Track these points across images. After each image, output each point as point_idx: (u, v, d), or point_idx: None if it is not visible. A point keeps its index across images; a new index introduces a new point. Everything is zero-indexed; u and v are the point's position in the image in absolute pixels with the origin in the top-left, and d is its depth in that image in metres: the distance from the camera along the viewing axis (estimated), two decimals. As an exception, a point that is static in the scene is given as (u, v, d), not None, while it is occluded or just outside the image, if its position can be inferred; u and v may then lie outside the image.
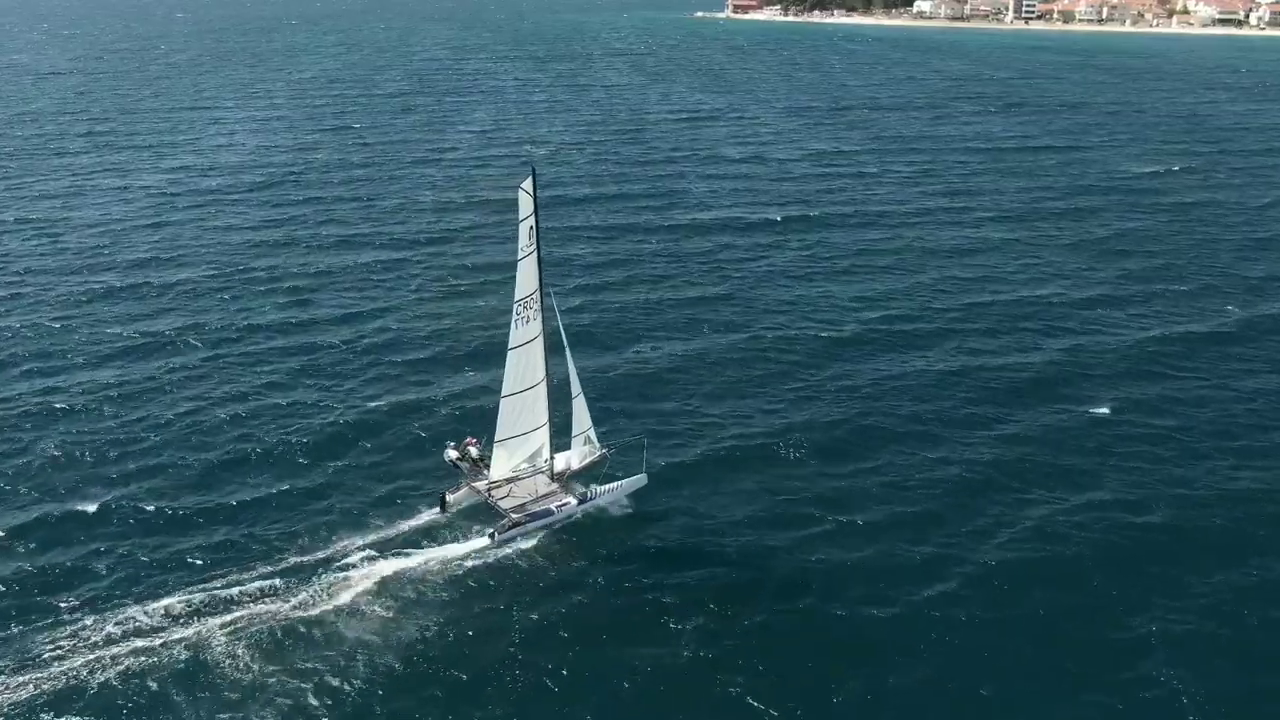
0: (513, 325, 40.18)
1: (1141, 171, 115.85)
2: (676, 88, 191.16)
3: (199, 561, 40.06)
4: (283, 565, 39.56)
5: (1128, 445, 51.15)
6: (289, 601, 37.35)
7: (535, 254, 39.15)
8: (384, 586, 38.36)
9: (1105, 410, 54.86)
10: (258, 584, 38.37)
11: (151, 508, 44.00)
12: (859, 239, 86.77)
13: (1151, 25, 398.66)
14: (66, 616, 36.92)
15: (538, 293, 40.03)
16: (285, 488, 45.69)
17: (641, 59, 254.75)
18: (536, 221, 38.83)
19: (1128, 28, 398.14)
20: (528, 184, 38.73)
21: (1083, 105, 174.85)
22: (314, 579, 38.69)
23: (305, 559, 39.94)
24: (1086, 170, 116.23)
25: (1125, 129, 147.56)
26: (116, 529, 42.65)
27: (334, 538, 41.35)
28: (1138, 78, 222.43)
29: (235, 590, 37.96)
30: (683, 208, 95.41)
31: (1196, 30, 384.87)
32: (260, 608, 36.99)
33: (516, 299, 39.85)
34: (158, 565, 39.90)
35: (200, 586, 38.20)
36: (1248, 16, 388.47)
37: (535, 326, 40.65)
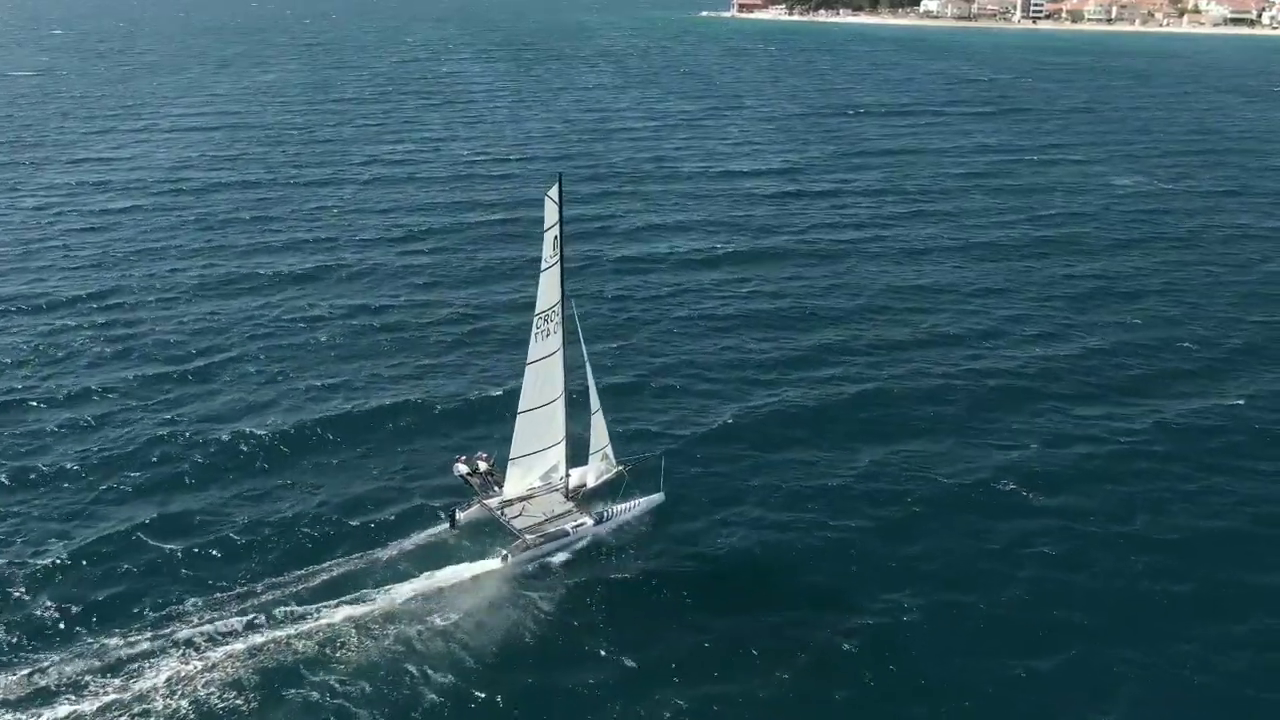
0: (532, 340, 37.89)
1: (1140, 191, 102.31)
2: (655, 92, 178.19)
3: (199, 587, 36.92)
4: (280, 590, 36.47)
5: (1071, 577, 38.61)
6: (289, 629, 34.48)
7: (559, 265, 36.79)
8: (391, 611, 35.50)
9: (1050, 526, 42.27)
10: (255, 611, 35.30)
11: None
12: (801, 274, 74.01)
13: (1162, 25, 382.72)
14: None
15: (558, 306, 37.64)
16: (284, 504, 42.53)
17: (631, 60, 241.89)
18: (561, 230, 36.38)
19: (1137, 27, 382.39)
20: (554, 191, 36.20)
21: (1085, 111, 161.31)
22: (316, 603, 35.76)
23: (307, 583, 36.87)
24: (1079, 189, 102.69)
25: (1127, 139, 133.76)
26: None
27: (339, 558, 38.38)
28: (1146, 80, 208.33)
29: (233, 619, 34.94)
30: (609, 238, 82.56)
31: (1207, 30, 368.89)
32: (259, 636, 34.18)
33: (537, 312, 37.51)
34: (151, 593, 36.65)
35: (197, 615, 35.17)
36: (1260, 15, 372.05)
37: (555, 341, 38.33)
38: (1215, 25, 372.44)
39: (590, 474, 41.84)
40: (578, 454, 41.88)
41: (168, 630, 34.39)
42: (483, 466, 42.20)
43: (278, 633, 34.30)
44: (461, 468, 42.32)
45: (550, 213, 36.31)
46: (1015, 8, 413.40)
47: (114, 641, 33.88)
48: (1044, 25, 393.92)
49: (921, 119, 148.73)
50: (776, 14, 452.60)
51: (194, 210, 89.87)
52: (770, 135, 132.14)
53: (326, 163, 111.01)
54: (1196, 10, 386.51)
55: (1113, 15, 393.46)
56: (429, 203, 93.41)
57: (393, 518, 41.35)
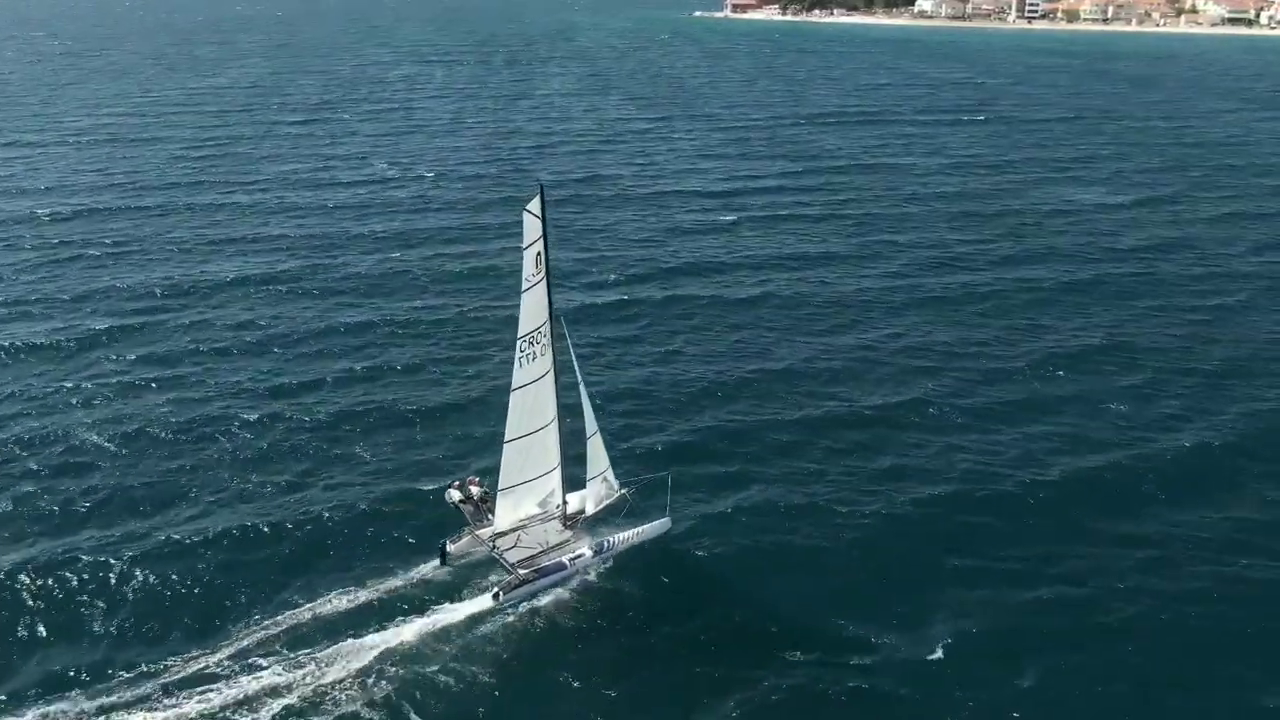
0: (516, 364, 35.02)
1: (1115, 220, 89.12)
2: (614, 98, 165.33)
3: (145, 642, 33.23)
4: (245, 641, 32.88)
5: None
6: (255, 683, 30.87)
7: (544, 282, 33.97)
8: (371, 660, 31.90)
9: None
10: (217, 667, 31.71)
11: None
12: (693, 326, 61.78)
13: (1159, 25, 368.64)
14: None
15: (546, 325, 34.70)
16: (255, 538, 38.77)
17: (605, 63, 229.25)
18: (545, 245, 33.41)
19: (1134, 27, 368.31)
20: (534, 205, 33.13)
21: (1070, 120, 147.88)
22: (289, 651, 32.29)
23: (278, 631, 33.32)
24: (1044, 215, 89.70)
25: (1110, 154, 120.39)
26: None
27: (316, 602, 34.62)
28: (1138, 85, 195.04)
29: (195, 673, 31.39)
30: (486, 280, 70.24)
31: (1205, 30, 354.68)
32: (225, 691, 30.52)
33: (520, 335, 34.59)
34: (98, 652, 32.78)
35: (153, 671, 31.58)
36: (1258, 16, 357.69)
37: (543, 363, 35.36)
38: (1213, 25, 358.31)
39: (590, 499, 38.17)
40: (576, 478, 38.13)
41: (131, 688, 30.88)
42: (475, 492, 38.74)
43: (245, 688, 30.77)
44: (454, 494, 38.73)
45: (532, 228, 33.03)
46: (1010, 7, 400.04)
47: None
48: (1039, 25, 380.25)
49: (890, 129, 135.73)
50: (769, 14, 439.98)
51: (40, 245, 77.57)
52: (721, 149, 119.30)
53: (224, 182, 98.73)
54: (1194, 10, 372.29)
55: (1109, 15, 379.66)
56: (312, 235, 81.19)
57: (377, 552, 37.57)
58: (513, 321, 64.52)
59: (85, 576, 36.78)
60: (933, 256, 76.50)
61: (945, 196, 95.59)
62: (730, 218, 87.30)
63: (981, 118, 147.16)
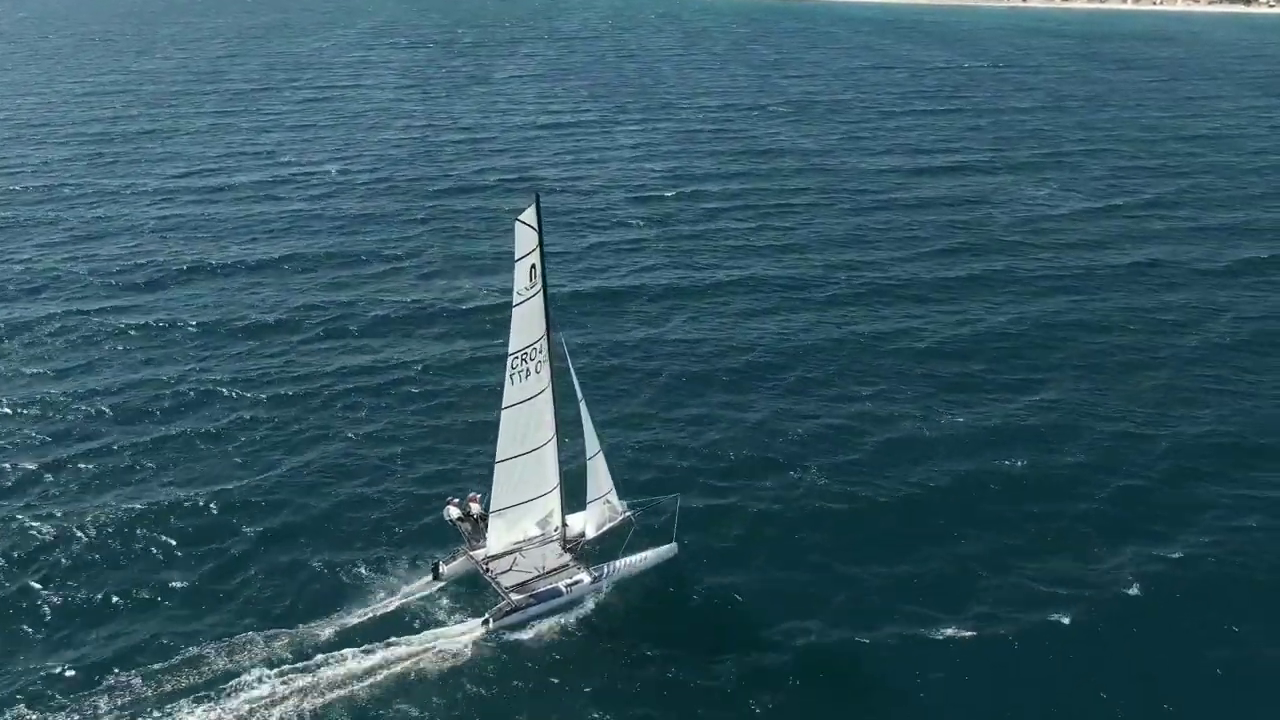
0: (508, 381, 32.65)
1: (1082, 231, 78.52)
2: (572, 85, 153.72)
3: (118, 661, 31.28)
4: (224, 663, 31.11)
5: None
6: (235, 706, 29.17)
7: (540, 295, 31.84)
8: (353, 685, 30.12)
9: None
10: (199, 687, 29.93)
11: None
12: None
13: (1156, 3, 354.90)
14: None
15: (543, 341, 32.47)
16: (236, 553, 36.65)
17: (578, 44, 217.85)
18: (541, 257, 31.42)
19: (1130, 6, 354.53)
20: (529, 215, 31.07)
21: (1052, 109, 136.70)
22: (269, 676, 30.47)
23: (254, 652, 31.56)
24: (1008, 219, 79.53)
25: (1088, 152, 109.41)
26: None
27: (299, 621, 32.82)
28: (1129, 67, 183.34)
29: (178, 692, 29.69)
30: (343, 315, 60.31)
31: (1204, 8, 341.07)
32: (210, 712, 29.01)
33: (512, 351, 32.24)
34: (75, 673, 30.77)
35: (127, 691, 29.92)
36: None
37: (538, 380, 32.95)
38: (1211, 4, 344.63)
39: (591, 523, 35.90)
40: (577, 500, 36.11)
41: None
42: (475, 509, 36.66)
43: (226, 709, 29.25)
44: (453, 511, 36.93)
45: (526, 239, 31.25)
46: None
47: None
48: (1033, 3, 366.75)
49: (854, 122, 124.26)
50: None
51: None
52: (666, 146, 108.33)
53: (107, 188, 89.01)
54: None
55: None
56: (175, 255, 71.42)
57: (366, 571, 35.72)
58: (353, 370, 55.77)
59: None
60: (864, 281, 66.47)
61: (894, 205, 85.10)
62: (653, 232, 77.15)
63: (956, 107, 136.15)
